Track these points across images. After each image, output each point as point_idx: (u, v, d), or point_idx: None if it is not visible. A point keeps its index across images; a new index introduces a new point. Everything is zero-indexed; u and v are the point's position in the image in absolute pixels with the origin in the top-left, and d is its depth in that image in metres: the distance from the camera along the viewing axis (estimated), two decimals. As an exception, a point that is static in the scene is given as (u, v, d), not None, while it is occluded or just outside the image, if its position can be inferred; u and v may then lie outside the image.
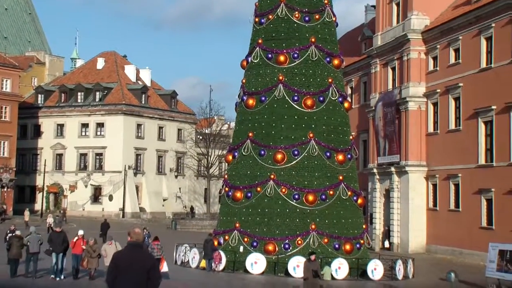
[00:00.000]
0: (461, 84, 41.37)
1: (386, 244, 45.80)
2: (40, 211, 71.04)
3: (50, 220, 48.91)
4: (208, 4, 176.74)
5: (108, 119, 73.89)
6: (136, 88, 76.89)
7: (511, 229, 35.47)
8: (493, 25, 38.46)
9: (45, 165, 72.01)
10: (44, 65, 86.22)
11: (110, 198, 72.69)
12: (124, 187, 71.20)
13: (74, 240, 23.87)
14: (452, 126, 42.59)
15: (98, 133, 74.48)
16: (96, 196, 74.29)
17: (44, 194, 74.15)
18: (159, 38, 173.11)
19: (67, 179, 74.73)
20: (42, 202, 73.00)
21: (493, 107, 38.16)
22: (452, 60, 42.43)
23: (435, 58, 44.33)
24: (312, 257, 20.18)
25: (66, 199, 74.88)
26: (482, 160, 39.39)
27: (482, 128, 39.60)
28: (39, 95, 78.72)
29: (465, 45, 41.12)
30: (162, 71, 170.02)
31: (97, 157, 74.37)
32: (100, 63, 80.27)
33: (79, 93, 76.53)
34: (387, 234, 47.01)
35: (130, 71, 79.51)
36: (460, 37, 41.50)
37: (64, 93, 77.33)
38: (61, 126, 76.27)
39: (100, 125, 74.37)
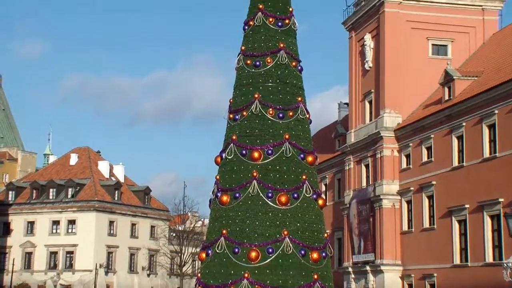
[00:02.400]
0: (434, 182, 41.56)
1: None
2: (6, 312, 68.77)
3: None
4: (186, 101, 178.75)
5: (80, 216, 72.81)
6: (109, 184, 76.25)
7: (489, 329, 34.88)
8: (463, 124, 39.06)
9: (13, 264, 70.17)
10: (16, 161, 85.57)
11: (80, 297, 70.72)
12: (95, 287, 69.41)
13: None
14: (426, 224, 42.48)
15: (70, 230, 73.19)
16: (66, 295, 72.22)
17: (11, 294, 71.89)
18: (135, 134, 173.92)
19: (36, 278, 72.71)
20: (9, 303, 70.74)
21: (466, 206, 38.23)
22: (425, 158, 42.78)
23: (408, 156, 44.70)
24: None
25: (34, 299, 72.66)
26: (457, 260, 39.11)
27: (456, 227, 39.52)
28: (10, 192, 77.58)
29: (437, 143, 41.59)
30: (137, 167, 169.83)
31: (68, 255, 72.77)
32: (73, 159, 79.82)
33: (51, 190, 75.63)
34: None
35: (103, 167, 79.05)
36: (432, 136, 42.02)
37: (35, 189, 76.39)
38: (31, 224, 74.89)
39: (72, 222, 73.19)
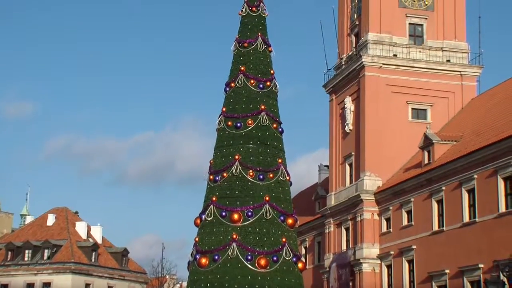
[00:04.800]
0: (414, 247, 41.33)
1: None
2: None
3: None
4: (171, 163, 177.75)
5: (55, 278, 71.34)
6: (86, 246, 75.13)
7: None
8: (443, 188, 39.11)
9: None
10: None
11: None
12: None
13: None
14: (406, 289, 42.08)
15: (44, 293, 71.63)
16: None
17: None
18: (117, 195, 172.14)
19: None
20: None
21: (447, 271, 37.97)
22: (405, 222, 42.65)
23: (388, 219, 44.55)
24: None
25: None
26: (438, 325, 38.66)
27: (436, 292, 39.15)
28: (-15, 253, 76.13)
29: (417, 207, 41.52)
30: (117, 228, 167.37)
31: (41, 319, 71.07)
32: (51, 220, 78.71)
33: (26, 251, 74.26)
34: None
35: (81, 228, 77.98)
36: (412, 199, 41.97)
37: (11, 251, 74.98)
38: (4, 286, 73.19)
39: (47, 284, 71.63)
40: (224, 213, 23.20)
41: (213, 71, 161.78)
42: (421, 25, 49.27)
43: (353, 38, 51.20)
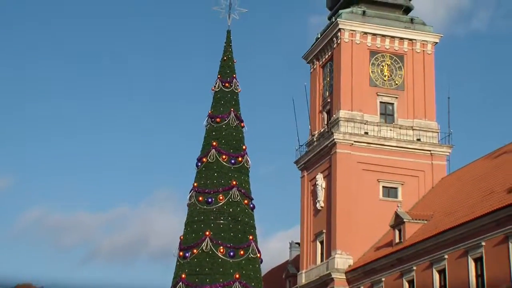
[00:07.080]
0: (385, 327, 40.71)
1: None
2: None
3: None
4: (144, 238, 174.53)
5: None
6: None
7: None
8: (414, 268, 38.81)
9: None
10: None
11: None
12: None
13: None
14: None
15: None
16: None
17: None
18: (87, 270, 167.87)
19: None
20: None
21: None
22: (376, 301, 42.11)
23: (359, 300, 43.96)
24: None
25: None
26: None
27: None
28: None
29: (388, 287, 41.05)
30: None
31: None
32: (14, 294, 76.69)
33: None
34: None
35: (44, 303, 76.01)
36: (383, 279, 41.52)
37: (-30, 325, 72.64)
38: None
39: None
40: (193, 290, 22.73)
41: (188, 145, 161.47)
42: (392, 104, 49.90)
43: (325, 115, 51.61)
